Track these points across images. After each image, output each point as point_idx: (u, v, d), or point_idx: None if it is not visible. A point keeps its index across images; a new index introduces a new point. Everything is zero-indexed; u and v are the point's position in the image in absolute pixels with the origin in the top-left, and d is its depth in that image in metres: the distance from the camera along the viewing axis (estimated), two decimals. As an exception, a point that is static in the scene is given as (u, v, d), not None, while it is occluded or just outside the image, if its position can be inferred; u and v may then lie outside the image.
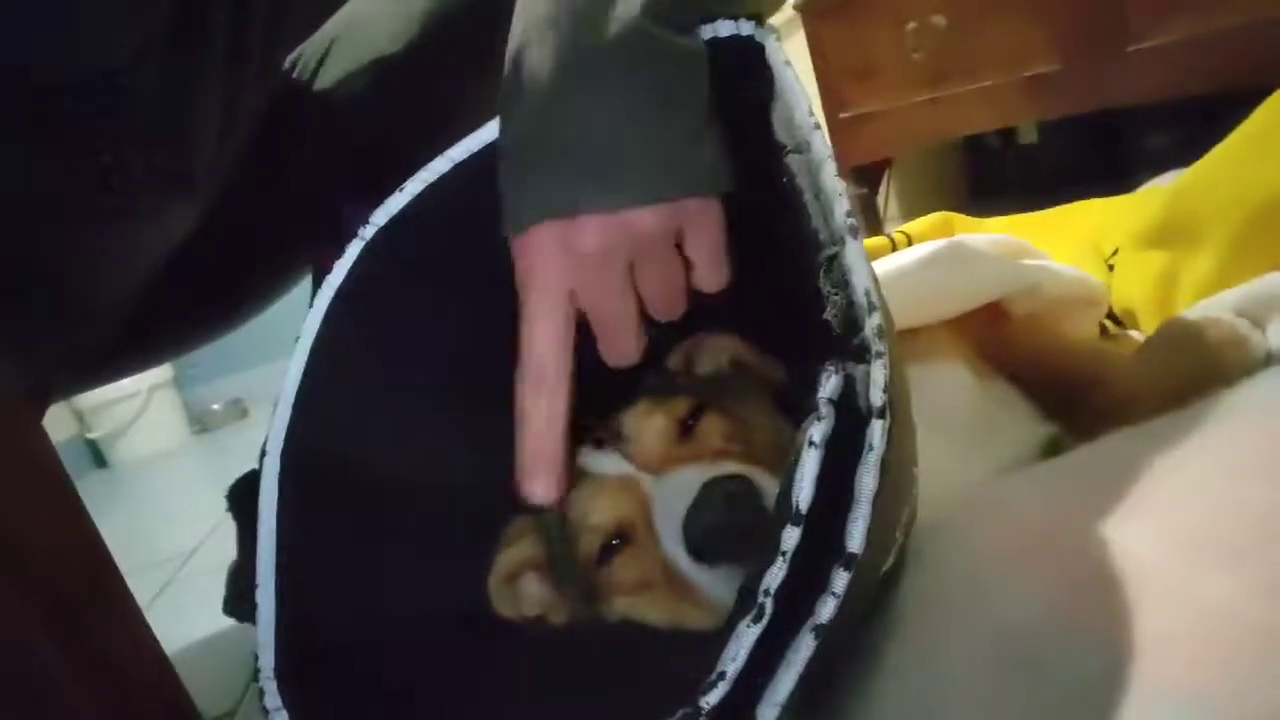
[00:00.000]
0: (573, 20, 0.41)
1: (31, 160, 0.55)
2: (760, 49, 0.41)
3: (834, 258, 0.34)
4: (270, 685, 0.41)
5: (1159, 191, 0.84)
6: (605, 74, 0.41)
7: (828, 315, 0.34)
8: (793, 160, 0.37)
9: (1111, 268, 0.78)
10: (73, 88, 0.54)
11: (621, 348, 0.46)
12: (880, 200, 1.60)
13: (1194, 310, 0.59)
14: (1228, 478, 0.36)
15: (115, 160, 0.57)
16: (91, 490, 2.08)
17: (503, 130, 0.45)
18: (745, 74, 0.41)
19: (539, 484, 0.44)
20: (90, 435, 2.34)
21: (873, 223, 1.55)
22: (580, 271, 0.42)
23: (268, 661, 0.42)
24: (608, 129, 0.41)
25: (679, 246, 0.44)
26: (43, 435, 0.38)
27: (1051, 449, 0.53)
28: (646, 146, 0.41)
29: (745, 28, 0.42)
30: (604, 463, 0.48)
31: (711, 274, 0.44)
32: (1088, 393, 0.55)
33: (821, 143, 0.37)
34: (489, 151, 0.49)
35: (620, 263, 0.43)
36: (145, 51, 0.56)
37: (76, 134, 0.56)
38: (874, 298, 0.33)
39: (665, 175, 0.41)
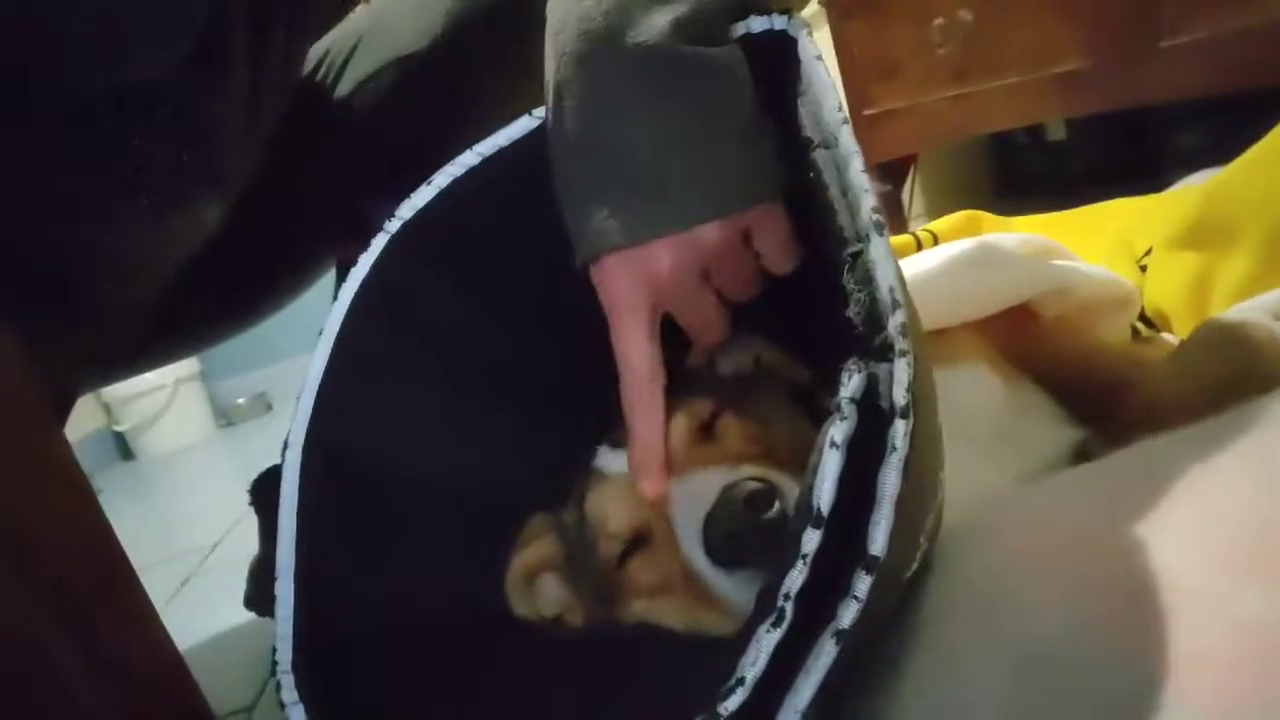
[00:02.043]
0: (603, 52, 0.42)
1: (58, 160, 0.55)
2: (792, 43, 0.41)
3: (858, 254, 0.34)
4: (287, 679, 0.42)
5: (1193, 191, 0.82)
6: (644, 100, 0.42)
7: (850, 312, 0.33)
8: (819, 155, 0.37)
9: (1144, 268, 0.76)
10: (105, 93, 0.54)
11: (709, 338, 0.49)
12: (905, 197, 1.58)
13: (1230, 313, 0.57)
14: (1263, 489, 0.35)
15: (142, 159, 0.58)
16: (118, 483, 2.11)
17: (557, 167, 0.46)
18: (777, 68, 0.41)
19: (650, 484, 0.46)
20: (117, 428, 2.37)
21: (897, 220, 1.54)
22: (658, 290, 0.44)
23: (285, 655, 0.43)
24: (657, 153, 0.42)
25: (747, 238, 0.45)
26: (59, 435, 0.38)
27: (1080, 455, 0.52)
28: (699, 164, 0.42)
29: (778, 22, 0.42)
30: (622, 464, 0.48)
31: (781, 263, 0.46)
32: (1119, 397, 0.54)
33: (849, 138, 0.36)
34: (519, 148, 0.48)
35: (693, 274, 0.45)
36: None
37: (104, 134, 0.56)
38: (898, 295, 0.32)
39: (723, 189, 0.42)
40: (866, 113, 1.44)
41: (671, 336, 0.47)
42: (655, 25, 0.41)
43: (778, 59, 0.41)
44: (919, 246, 0.75)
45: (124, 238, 0.61)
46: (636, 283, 0.44)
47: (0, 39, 0.49)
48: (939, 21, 1.31)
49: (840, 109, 0.37)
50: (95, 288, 0.63)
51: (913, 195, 1.63)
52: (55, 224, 0.57)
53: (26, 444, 0.34)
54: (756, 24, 0.43)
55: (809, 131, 0.38)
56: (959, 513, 0.41)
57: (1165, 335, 0.72)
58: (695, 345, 0.50)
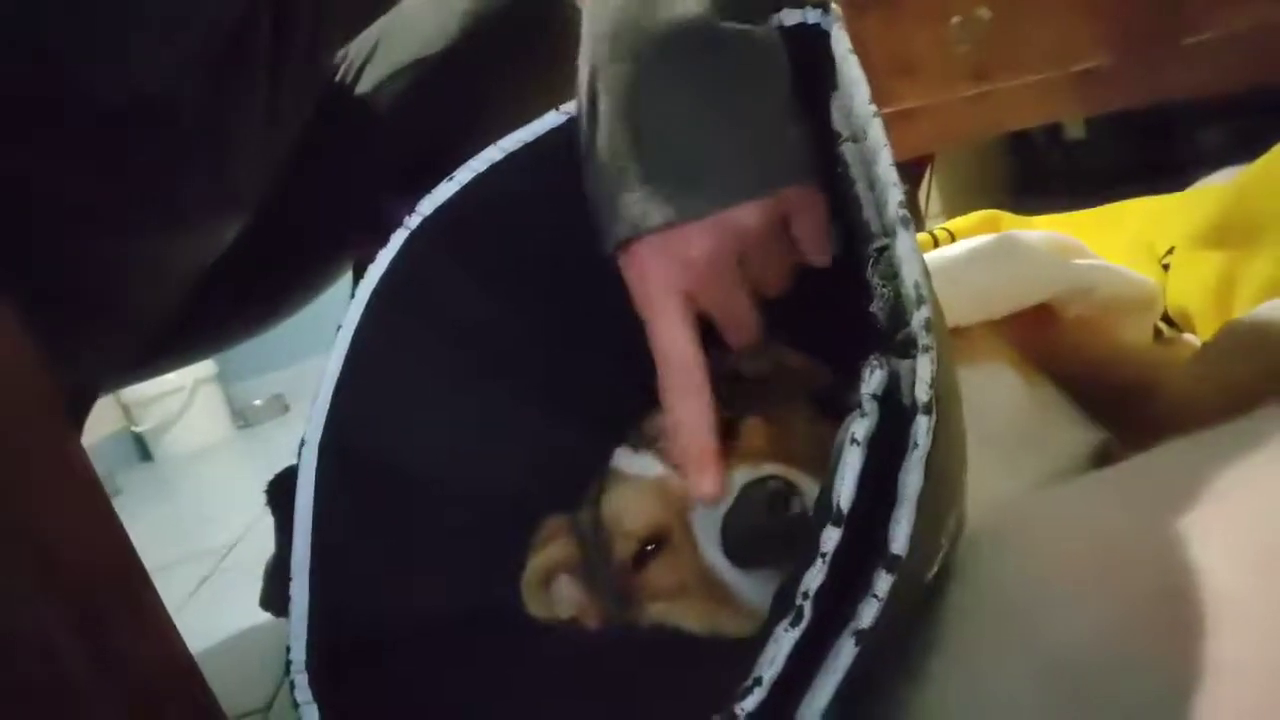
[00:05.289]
0: (637, 31, 0.41)
1: (76, 168, 0.56)
2: (825, 35, 0.40)
3: (884, 249, 0.33)
4: (301, 679, 0.42)
5: (1216, 189, 0.81)
6: (679, 79, 0.41)
7: (874, 308, 0.33)
8: (848, 149, 0.36)
9: (1166, 268, 0.75)
10: (123, 99, 0.55)
11: (743, 335, 0.46)
12: (922, 197, 1.57)
13: (1255, 313, 0.56)
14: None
15: (160, 167, 0.58)
16: (137, 483, 2.13)
17: (587, 149, 0.44)
18: (809, 61, 0.41)
19: (705, 483, 0.42)
20: (136, 429, 2.40)
21: (914, 220, 1.52)
22: (691, 277, 0.42)
23: (299, 655, 0.43)
24: (691, 133, 0.41)
25: (784, 225, 0.43)
26: (74, 437, 0.38)
27: (1102, 458, 0.51)
28: (734, 145, 0.41)
29: (812, 15, 0.42)
30: (639, 465, 0.48)
31: (818, 253, 0.44)
32: (1141, 399, 0.53)
33: (879, 131, 0.36)
34: (544, 143, 0.48)
35: (729, 261, 0.43)
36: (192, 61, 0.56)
37: (122, 141, 0.56)
38: (924, 291, 0.32)
39: (759, 170, 0.41)
40: (884, 111, 1.43)
41: None
42: (692, 3, 0.40)
43: (809, 52, 0.41)
44: (935, 244, 0.75)
45: (141, 243, 0.62)
46: (672, 268, 0.42)
47: (19, 47, 0.49)
48: (957, 19, 1.30)
49: (870, 102, 0.37)
50: (111, 291, 0.63)
51: (930, 195, 1.62)
52: (71, 228, 0.57)
53: (40, 445, 0.34)
54: (789, 16, 0.42)
55: (838, 125, 0.37)
56: (979, 516, 0.40)
57: (1188, 336, 0.71)
58: (728, 341, 0.47)
